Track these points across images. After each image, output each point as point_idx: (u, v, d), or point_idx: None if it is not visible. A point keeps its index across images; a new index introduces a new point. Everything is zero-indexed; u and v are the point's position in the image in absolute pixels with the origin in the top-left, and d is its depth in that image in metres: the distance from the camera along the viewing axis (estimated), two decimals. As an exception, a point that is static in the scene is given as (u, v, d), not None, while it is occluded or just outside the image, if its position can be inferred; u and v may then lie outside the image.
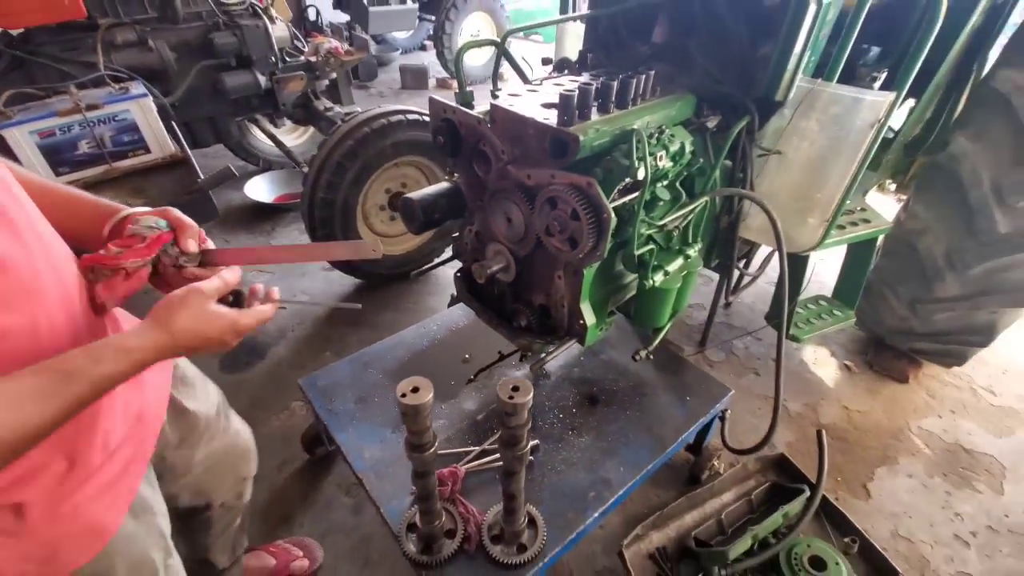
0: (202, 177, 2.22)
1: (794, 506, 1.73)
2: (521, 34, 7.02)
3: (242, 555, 1.60)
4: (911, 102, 2.02)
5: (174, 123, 2.59)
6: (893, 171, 2.52)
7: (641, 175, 1.07)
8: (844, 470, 2.16)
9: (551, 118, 1.17)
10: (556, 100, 1.20)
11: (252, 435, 1.49)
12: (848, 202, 1.80)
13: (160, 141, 2.42)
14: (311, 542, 1.84)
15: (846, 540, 1.71)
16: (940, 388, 2.56)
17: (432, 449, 1.13)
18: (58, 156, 2.22)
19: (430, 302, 3.11)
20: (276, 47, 2.86)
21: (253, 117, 3.54)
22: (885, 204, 3.10)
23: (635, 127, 1.03)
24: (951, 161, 1.97)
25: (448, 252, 1.69)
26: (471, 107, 1.40)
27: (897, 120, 2.06)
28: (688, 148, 1.21)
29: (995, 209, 1.91)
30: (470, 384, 1.84)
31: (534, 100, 1.29)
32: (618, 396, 1.84)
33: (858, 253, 2.11)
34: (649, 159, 1.12)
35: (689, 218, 1.42)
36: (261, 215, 3.98)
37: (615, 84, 1.20)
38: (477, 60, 6.90)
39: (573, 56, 1.80)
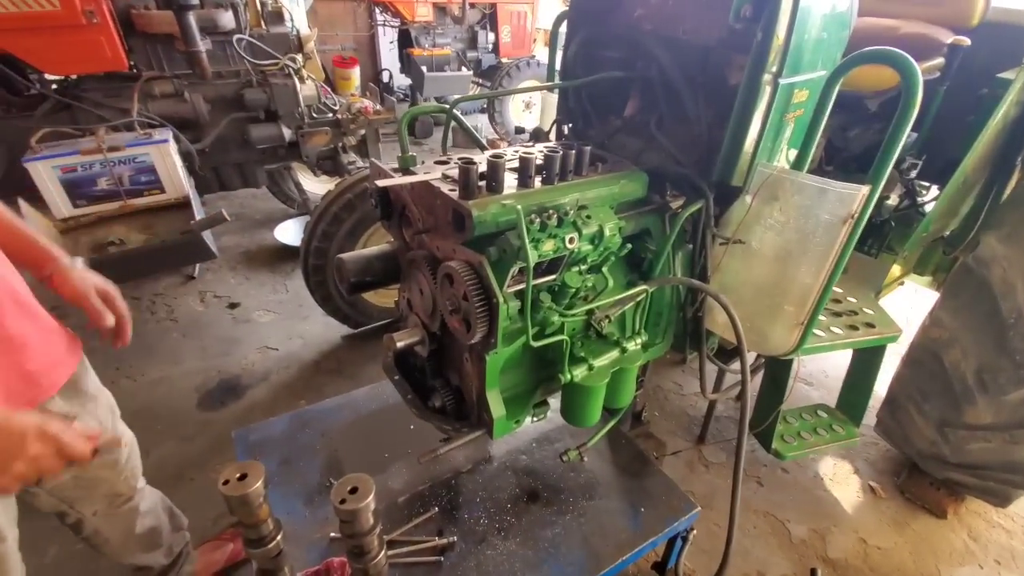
0: (195, 220, 2.31)
1: (758, 666, 1.42)
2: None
3: (186, 550, 1.68)
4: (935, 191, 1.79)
5: (197, 168, 2.75)
6: (934, 268, 2.24)
7: (530, 260, 0.95)
8: (846, 623, 1.79)
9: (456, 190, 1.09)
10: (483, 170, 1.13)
11: (138, 451, 1.47)
12: (854, 300, 1.59)
13: (175, 183, 2.56)
14: None
15: None
16: (986, 530, 2.12)
17: (274, 542, 0.99)
18: (77, 190, 2.39)
19: (420, 360, 3.02)
20: (303, 104, 3.03)
21: (288, 165, 3.75)
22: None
23: (518, 207, 0.92)
24: (980, 265, 1.68)
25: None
26: (410, 172, 1.35)
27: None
28: (609, 231, 1.08)
29: (1037, 326, 1.60)
30: (406, 460, 1.69)
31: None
32: (563, 495, 1.62)
33: (863, 360, 1.82)
34: (552, 240, 1.00)
35: (628, 306, 1.26)
36: (286, 256, 4.12)
37: (535, 157, 1.11)
38: (528, 124, 7.12)
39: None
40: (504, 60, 7.24)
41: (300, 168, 4.27)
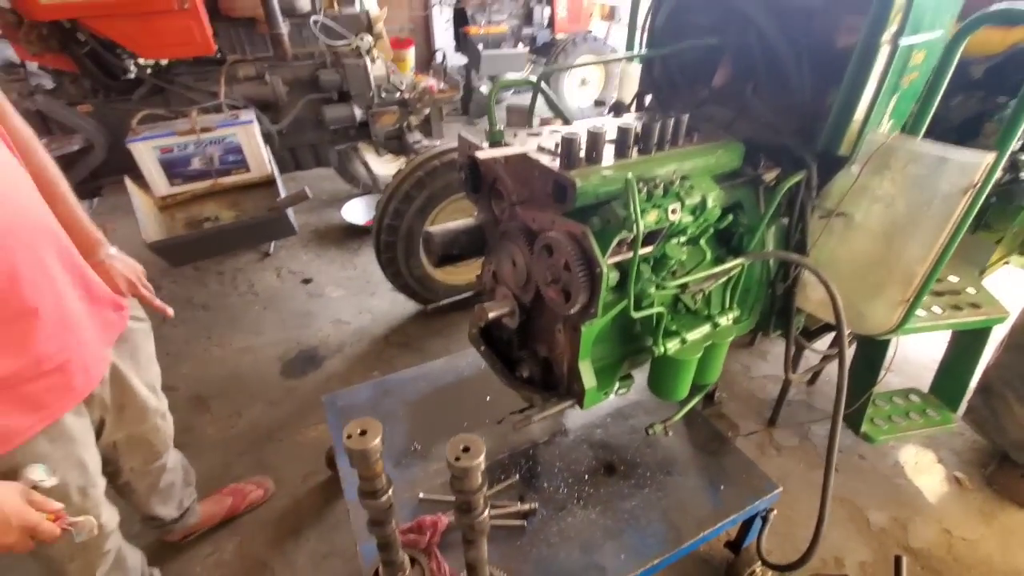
0: (280, 197, 2.43)
1: (843, 647, 1.40)
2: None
3: (193, 505, 1.84)
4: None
5: (276, 148, 2.88)
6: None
7: (635, 229, 0.95)
8: (932, 613, 1.73)
9: (557, 160, 1.10)
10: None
11: (171, 416, 1.63)
12: (956, 279, 1.50)
13: (259, 163, 2.69)
14: (263, 478, 2.12)
15: None
16: (1087, 529, 1.98)
17: (386, 496, 1.06)
18: (174, 169, 2.56)
19: (483, 336, 3.08)
20: (374, 84, 3.10)
21: (354, 146, 3.86)
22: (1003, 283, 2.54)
23: (628, 176, 0.92)
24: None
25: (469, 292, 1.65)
26: (499, 145, 1.37)
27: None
28: (712, 202, 1.06)
29: None
30: (496, 426, 1.75)
31: (552, 140, 1.22)
32: (640, 470, 1.64)
33: (965, 343, 1.71)
34: (656, 211, 1.00)
35: (720, 281, 1.24)
36: (353, 235, 4.27)
37: (633, 128, 1.10)
38: (584, 102, 7.00)
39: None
40: (559, 36, 7.10)
41: (365, 148, 4.39)
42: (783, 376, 1.95)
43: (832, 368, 2.51)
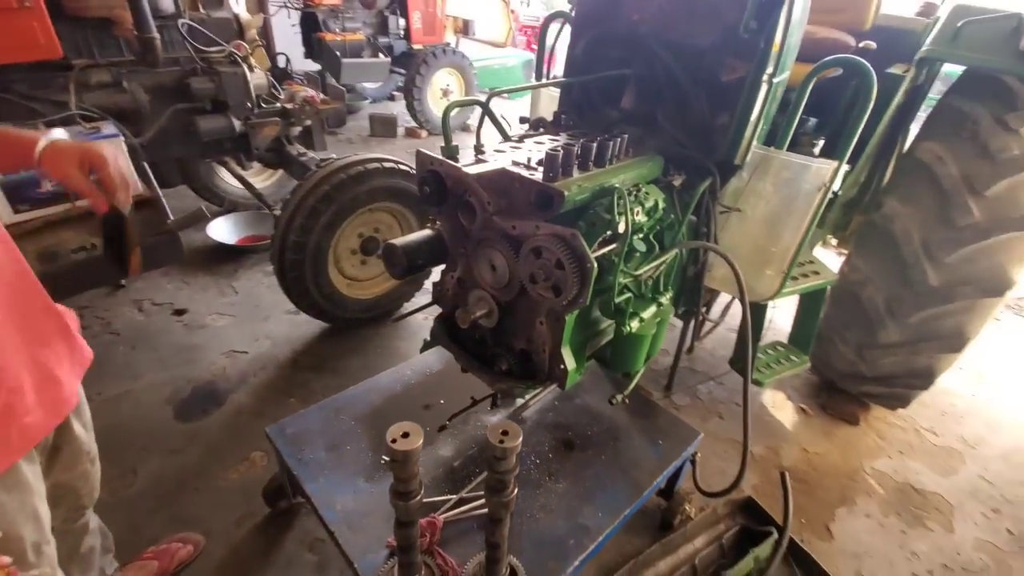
0: (172, 218, 2.18)
1: (764, 549, 1.77)
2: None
3: (116, 574, 1.66)
4: (846, 167, 2.25)
5: (144, 163, 2.55)
6: (834, 228, 2.76)
7: (622, 228, 1.16)
8: (807, 511, 2.23)
9: (535, 174, 1.25)
10: (536, 157, 1.30)
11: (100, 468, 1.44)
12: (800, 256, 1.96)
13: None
14: (188, 533, 1.92)
15: (814, 582, 1.76)
16: (888, 430, 2.72)
17: (418, 497, 1.12)
18: (18, 193, 2.14)
19: (399, 347, 3.08)
20: (253, 94, 2.90)
21: (222, 159, 3.53)
22: (827, 257, 3.35)
23: (616, 185, 1.11)
24: (885, 221, 2.18)
25: (425, 298, 1.72)
26: (456, 160, 1.48)
27: (837, 183, 2.28)
28: (661, 204, 1.31)
29: (926, 264, 2.12)
30: (443, 431, 1.82)
31: (518, 156, 1.37)
32: (593, 441, 1.87)
33: (809, 302, 2.27)
34: (628, 214, 1.21)
35: (661, 268, 1.51)
36: (223, 257, 3.90)
37: (594, 145, 1.30)
38: (438, 109, 7.15)
39: (545, 115, 1.93)
40: (416, 47, 7.18)
41: (231, 162, 4.03)
42: (672, 351, 2.36)
43: (708, 338, 3.04)
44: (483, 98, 1.60)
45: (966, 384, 3.13)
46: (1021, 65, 1.86)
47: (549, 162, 1.21)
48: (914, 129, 2.39)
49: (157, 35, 2.40)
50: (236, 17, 2.95)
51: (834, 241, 2.91)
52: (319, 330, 3.14)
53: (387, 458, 1.70)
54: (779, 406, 2.86)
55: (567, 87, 1.85)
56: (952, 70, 2.27)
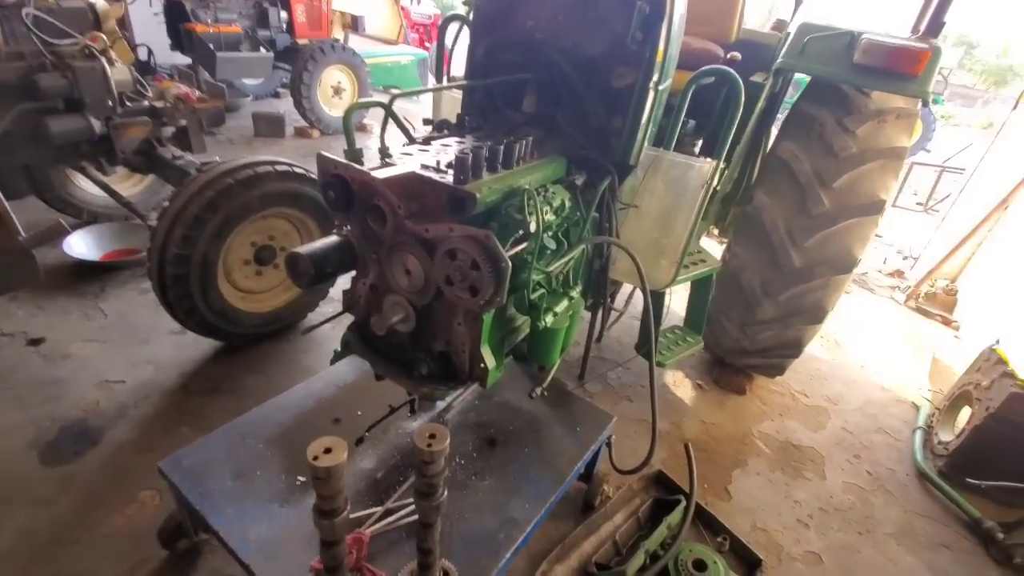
0: (24, 235, 1.88)
1: (675, 516, 1.93)
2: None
3: None
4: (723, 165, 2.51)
5: (-25, 171, 2.18)
6: (715, 220, 3.06)
7: (533, 227, 1.20)
8: (709, 477, 2.46)
9: (446, 177, 1.26)
10: (445, 160, 1.30)
11: None
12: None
13: (-44, 193, 2.00)
14: None
15: (719, 539, 1.95)
16: (769, 396, 3.07)
17: (344, 514, 1.08)
18: None
19: (304, 361, 2.91)
20: (115, 91, 2.58)
21: (79, 165, 3.10)
22: (711, 247, 3.70)
23: (525, 186, 1.15)
24: (756, 212, 2.47)
25: (331, 308, 1.65)
26: (360, 163, 1.43)
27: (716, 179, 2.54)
28: (567, 203, 1.38)
29: (790, 248, 2.42)
30: (360, 443, 1.77)
31: (427, 159, 1.37)
32: (515, 435, 1.91)
33: (699, 288, 2.50)
34: (539, 213, 1.26)
35: (570, 264, 1.58)
36: (86, 275, 3.42)
37: (501, 148, 1.33)
38: (339, 111, 6.84)
39: (448, 117, 1.93)
40: (301, 42, 6.80)
41: (88, 167, 3.54)
42: (582, 342, 2.48)
43: (615, 327, 3.22)
44: (386, 99, 1.56)
45: (827, 350, 3.63)
46: (855, 75, 2.19)
47: (459, 165, 1.21)
48: (774, 131, 2.72)
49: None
50: (91, 6, 2.61)
51: (716, 231, 3.21)
52: (211, 349, 2.87)
53: (302, 479, 1.62)
54: (679, 384, 3.11)
55: (470, 90, 1.87)
56: (802, 78, 2.62)
